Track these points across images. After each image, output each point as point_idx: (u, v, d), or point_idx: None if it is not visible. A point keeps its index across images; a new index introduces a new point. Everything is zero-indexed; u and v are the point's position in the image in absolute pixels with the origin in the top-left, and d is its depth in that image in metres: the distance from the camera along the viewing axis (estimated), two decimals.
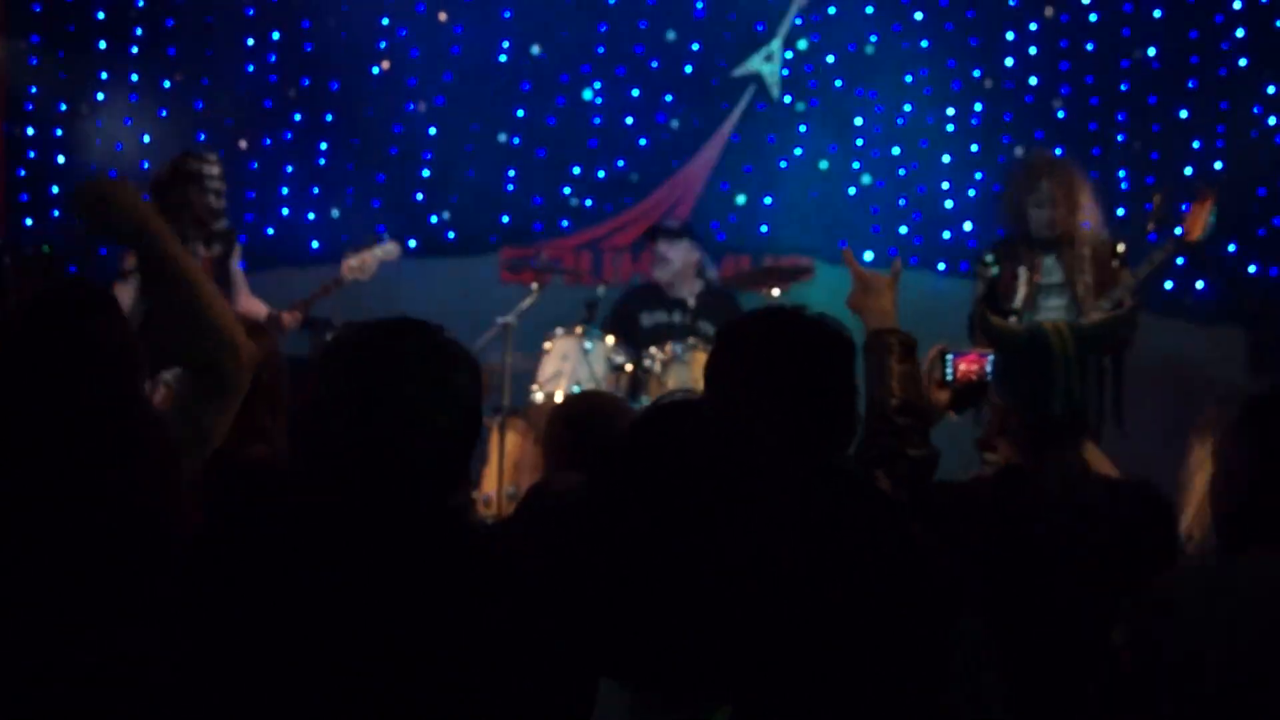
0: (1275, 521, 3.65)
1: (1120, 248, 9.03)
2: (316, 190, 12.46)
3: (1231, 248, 11.54)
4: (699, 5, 12.46)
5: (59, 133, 12.42)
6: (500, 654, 3.06)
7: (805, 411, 3.49)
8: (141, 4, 12.67)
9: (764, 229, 12.31)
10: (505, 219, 12.54)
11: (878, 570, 3.40)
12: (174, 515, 3.49)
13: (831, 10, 12.38)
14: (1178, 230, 8.91)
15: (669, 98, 12.52)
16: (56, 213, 12.44)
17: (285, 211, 12.47)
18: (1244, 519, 3.72)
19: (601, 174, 12.58)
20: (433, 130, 12.50)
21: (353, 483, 3.15)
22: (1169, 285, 11.43)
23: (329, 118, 12.47)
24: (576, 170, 12.56)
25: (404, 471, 3.15)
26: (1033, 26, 12.18)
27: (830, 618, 2.57)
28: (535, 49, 12.49)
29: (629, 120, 12.53)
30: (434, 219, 12.51)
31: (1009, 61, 12.21)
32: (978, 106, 12.21)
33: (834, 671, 3.04)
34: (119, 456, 3.47)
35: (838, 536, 3.03)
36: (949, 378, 4.83)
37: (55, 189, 12.51)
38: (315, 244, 12.29)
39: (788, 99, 12.44)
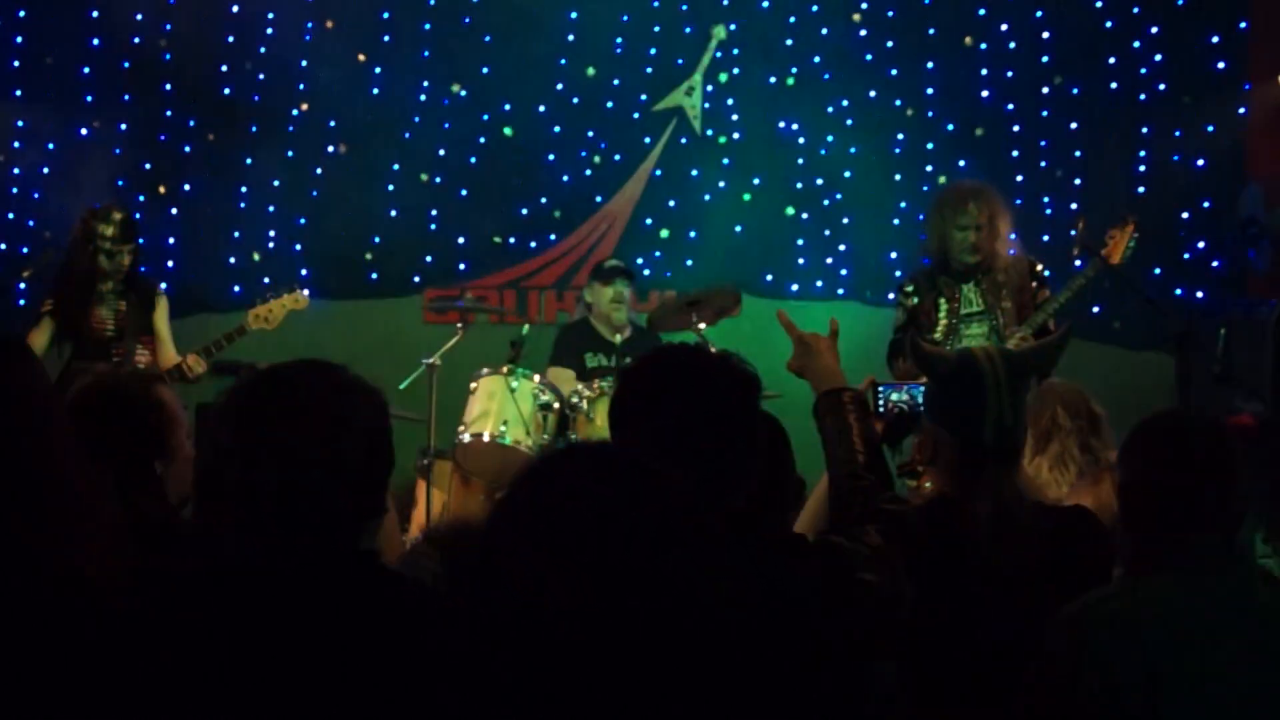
0: (1165, 542, 3.67)
1: (1039, 266, 9.08)
2: (237, 234, 12.37)
3: (1156, 272, 11.57)
4: (618, 41, 12.46)
5: None
6: (410, 702, 2.99)
7: (709, 451, 3.43)
8: (57, 52, 12.55)
9: (689, 263, 12.28)
10: (428, 259, 12.48)
11: (784, 616, 3.35)
12: (89, 564, 3.42)
13: (751, 43, 12.40)
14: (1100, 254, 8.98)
15: (591, 134, 12.51)
16: None
17: (206, 257, 12.36)
18: (1140, 541, 3.74)
19: (524, 212, 12.53)
20: (353, 171, 12.44)
21: (255, 528, 3.08)
22: (1096, 310, 11.45)
23: (249, 161, 12.36)
24: (499, 209, 12.50)
25: (308, 512, 3.08)
26: (953, 56, 12.21)
27: (736, 665, 2.51)
28: (455, 87, 12.45)
29: (551, 157, 12.50)
30: (357, 261, 12.42)
31: (929, 90, 12.24)
32: (900, 136, 12.24)
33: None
34: (31, 508, 3.40)
35: (742, 583, 2.97)
36: (880, 409, 4.79)
37: None
38: (237, 289, 12.17)
39: (710, 132, 12.45)
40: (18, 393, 3.53)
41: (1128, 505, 3.83)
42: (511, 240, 12.56)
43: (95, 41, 12.52)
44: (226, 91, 12.49)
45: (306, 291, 10.09)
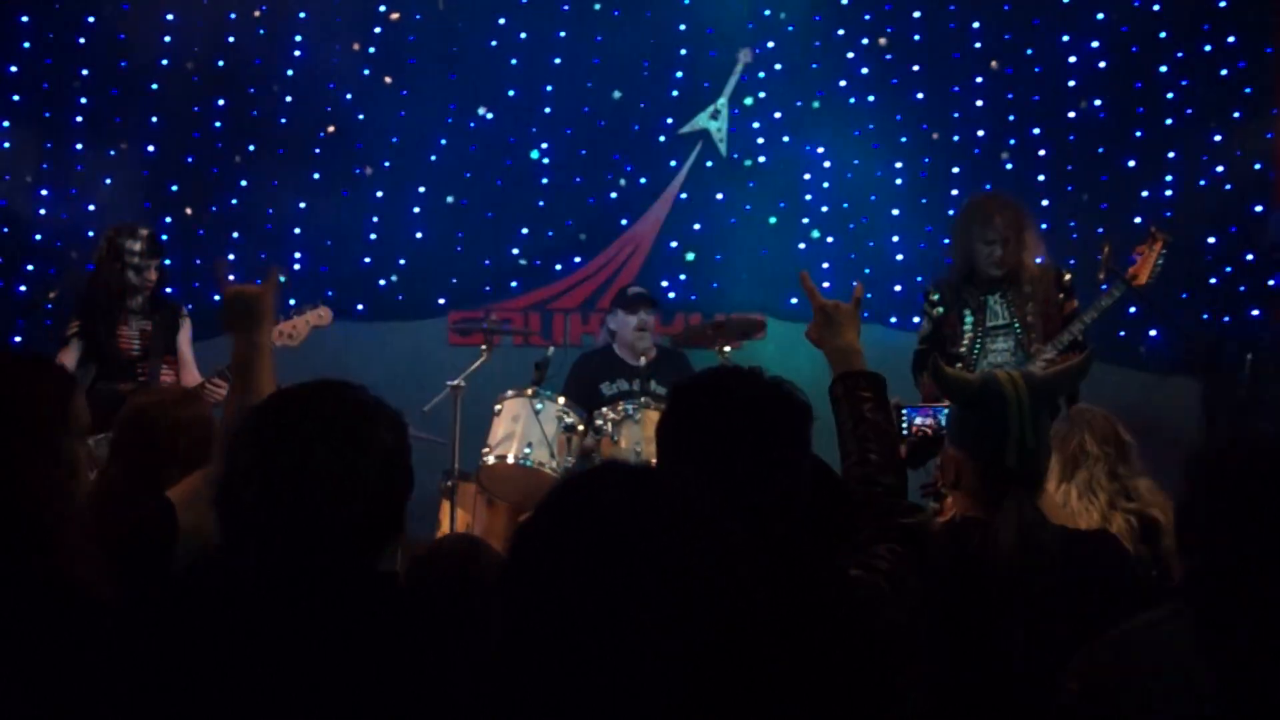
0: (1221, 577, 3.54)
1: (1066, 276, 8.99)
2: (264, 255, 12.37)
3: (1183, 296, 11.53)
4: (645, 64, 12.48)
5: (3, 204, 12.32)
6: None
7: (753, 475, 3.39)
8: (86, 73, 12.60)
9: (714, 286, 12.30)
10: (454, 281, 12.49)
11: (818, 632, 3.32)
12: (91, 575, 3.45)
13: (777, 67, 12.43)
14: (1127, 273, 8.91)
15: (616, 157, 12.54)
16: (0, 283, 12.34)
17: (232, 278, 12.34)
18: (1195, 568, 3.63)
19: (550, 234, 12.55)
20: (380, 193, 12.48)
21: (271, 548, 3.07)
22: (1122, 334, 11.42)
23: (275, 183, 12.40)
24: (524, 231, 12.53)
25: (324, 532, 3.07)
26: (978, 80, 12.22)
27: (768, 681, 2.49)
28: (482, 110, 12.47)
29: (577, 180, 12.53)
30: (382, 282, 12.46)
31: (955, 114, 12.23)
32: (925, 160, 12.23)
33: None
34: (36, 520, 3.44)
35: (773, 597, 2.94)
36: (905, 432, 4.78)
37: None
38: None
39: (735, 156, 12.46)
40: (24, 406, 3.56)
41: (1185, 530, 3.73)
42: (537, 262, 12.57)
43: (123, 64, 12.57)
44: (254, 114, 12.55)
45: (329, 308, 10.08)
